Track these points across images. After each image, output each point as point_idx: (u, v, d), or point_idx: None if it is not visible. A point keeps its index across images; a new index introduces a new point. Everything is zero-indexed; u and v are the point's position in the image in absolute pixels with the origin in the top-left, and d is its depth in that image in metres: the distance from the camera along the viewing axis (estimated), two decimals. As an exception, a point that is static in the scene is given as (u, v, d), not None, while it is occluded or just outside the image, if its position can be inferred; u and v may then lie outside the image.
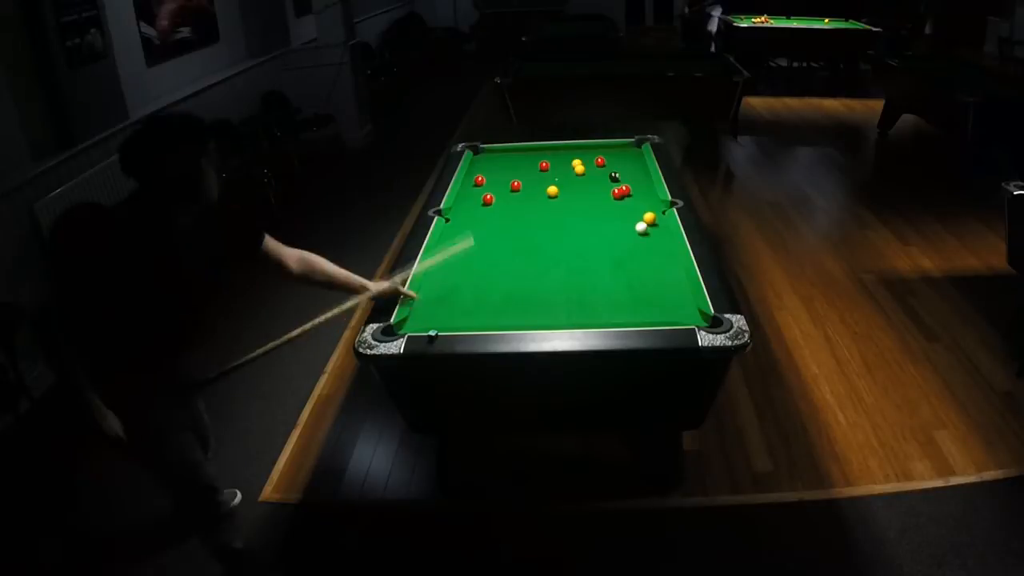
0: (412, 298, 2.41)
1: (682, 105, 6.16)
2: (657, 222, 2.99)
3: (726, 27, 9.12)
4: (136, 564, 2.49)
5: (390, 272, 2.49)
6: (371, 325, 2.23)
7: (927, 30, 7.87)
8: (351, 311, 2.33)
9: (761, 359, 3.42)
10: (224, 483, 2.80)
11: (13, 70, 3.61)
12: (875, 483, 2.66)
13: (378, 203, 5.70)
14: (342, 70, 6.95)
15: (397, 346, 2.11)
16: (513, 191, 3.46)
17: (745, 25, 8.89)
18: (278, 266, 2.17)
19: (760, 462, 2.80)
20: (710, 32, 9.39)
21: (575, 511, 2.62)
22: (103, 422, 1.87)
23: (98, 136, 4.10)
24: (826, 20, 9.06)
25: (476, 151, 4.08)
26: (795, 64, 9.71)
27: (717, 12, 9.34)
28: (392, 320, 2.27)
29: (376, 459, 2.93)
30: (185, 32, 5.54)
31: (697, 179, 5.90)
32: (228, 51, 6.24)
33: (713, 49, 8.79)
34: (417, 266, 2.57)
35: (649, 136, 4.09)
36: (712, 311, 2.22)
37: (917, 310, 3.81)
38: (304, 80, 6.92)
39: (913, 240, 4.65)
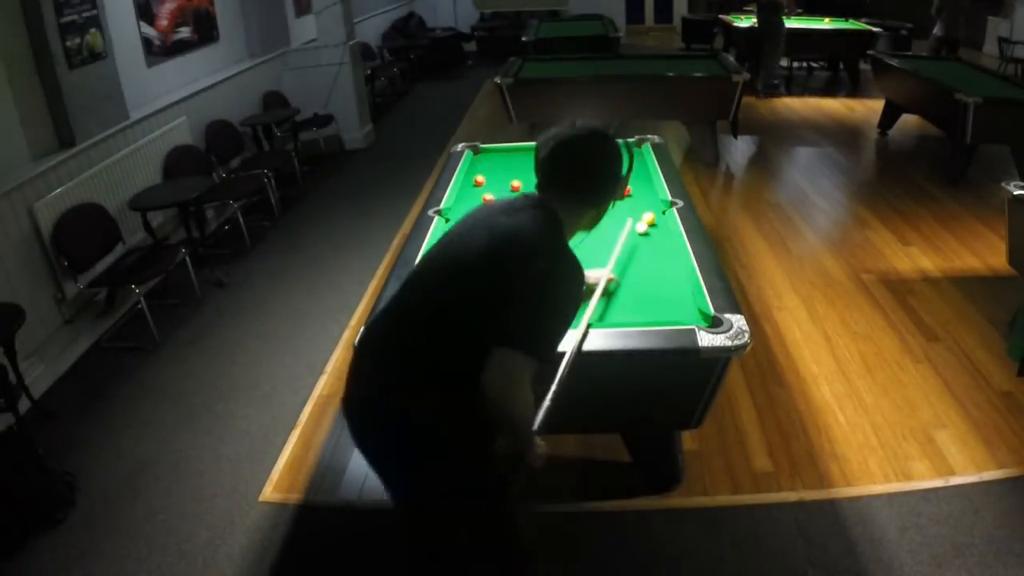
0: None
1: (682, 105, 6.17)
2: (657, 222, 2.99)
3: (725, 27, 9.11)
4: (136, 564, 2.50)
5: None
6: (371, 325, 2.23)
7: (936, 31, 7.89)
8: None
9: (761, 359, 3.42)
10: (224, 483, 2.84)
11: (13, 70, 3.61)
12: (875, 483, 2.66)
13: (378, 203, 5.69)
14: (342, 70, 6.95)
15: (397, 346, 2.11)
16: (513, 191, 3.45)
17: (745, 25, 8.89)
18: None
19: (760, 462, 2.80)
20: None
21: (575, 511, 2.62)
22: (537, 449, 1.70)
23: (98, 136, 4.10)
24: (826, 20, 9.07)
25: (476, 151, 4.08)
26: (795, 64, 9.71)
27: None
28: (392, 320, 2.27)
29: (376, 459, 2.92)
30: (185, 32, 5.55)
31: (697, 179, 5.90)
32: (228, 51, 6.25)
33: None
34: None
35: (649, 136, 4.09)
36: (712, 311, 2.22)
37: (917, 310, 3.81)
38: (304, 80, 6.93)
39: (913, 240, 4.64)
